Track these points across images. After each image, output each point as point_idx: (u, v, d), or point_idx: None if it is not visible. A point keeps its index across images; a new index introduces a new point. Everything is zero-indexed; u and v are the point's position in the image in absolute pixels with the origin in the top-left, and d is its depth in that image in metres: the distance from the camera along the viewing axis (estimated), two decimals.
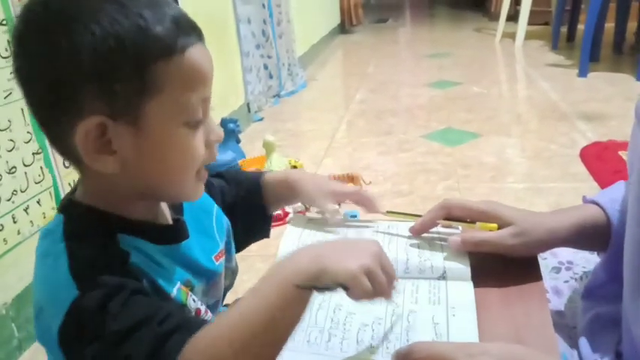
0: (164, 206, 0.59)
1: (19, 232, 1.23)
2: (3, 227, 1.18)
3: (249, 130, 2.62)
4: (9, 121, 1.19)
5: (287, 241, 0.66)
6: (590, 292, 0.69)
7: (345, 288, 0.45)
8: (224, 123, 2.05)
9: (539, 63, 3.65)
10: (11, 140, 1.20)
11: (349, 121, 2.75)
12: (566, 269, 0.77)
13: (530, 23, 4.25)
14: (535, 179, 1.92)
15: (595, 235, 0.65)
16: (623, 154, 2.00)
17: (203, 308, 0.56)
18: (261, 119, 2.80)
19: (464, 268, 0.62)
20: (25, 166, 1.24)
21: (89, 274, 0.47)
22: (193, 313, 0.54)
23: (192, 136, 0.50)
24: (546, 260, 0.78)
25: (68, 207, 0.54)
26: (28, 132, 1.25)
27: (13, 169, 1.21)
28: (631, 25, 3.81)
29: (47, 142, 1.29)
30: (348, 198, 0.71)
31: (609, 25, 3.62)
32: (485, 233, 0.64)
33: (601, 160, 1.99)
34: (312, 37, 4.27)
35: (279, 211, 1.68)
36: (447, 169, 2.03)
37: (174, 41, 0.47)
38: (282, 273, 0.46)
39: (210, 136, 0.53)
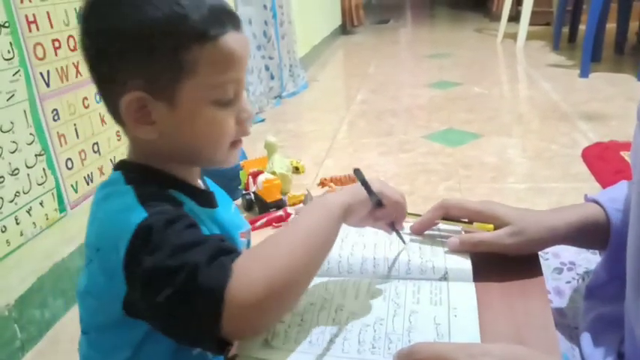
0: (197, 175, 0.64)
1: (21, 234, 1.23)
2: (6, 229, 1.18)
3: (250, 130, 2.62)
4: (11, 122, 1.20)
5: None
6: (592, 291, 0.69)
7: (379, 203, 0.58)
8: None
9: (541, 63, 3.65)
10: (14, 142, 1.20)
11: (350, 121, 2.75)
12: (568, 270, 0.77)
13: (531, 24, 4.25)
14: (536, 179, 1.92)
15: (595, 234, 0.65)
16: (625, 155, 2.00)
17: None
18: (263, 120, 2.80)
19: (465, 269, 0.62)
20: (28, 167, 1.25)
21: (156, 203, 0.52)
22: None
23: (223, 113, 0.56)
24: (548, 261, 0.78)
25: (124, 164, 0.59)
26: (30, 134, 1.25)
27: (16, 171, 1.21)
28: (632, 26, 3.81)
29: (50, 144, 1.30)
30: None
31: (611, 26, 3.62)
32: (482, 234, 0.64)
33: (602, 161, 1.98)
34: (314, 38, 4.27)
35: (280, 212, 1.68)
36: (448, 170, 2.03)
37: (208, 28, 0.52)
38: (316, 205, 0.55)
39: (242, 114, 0.58)
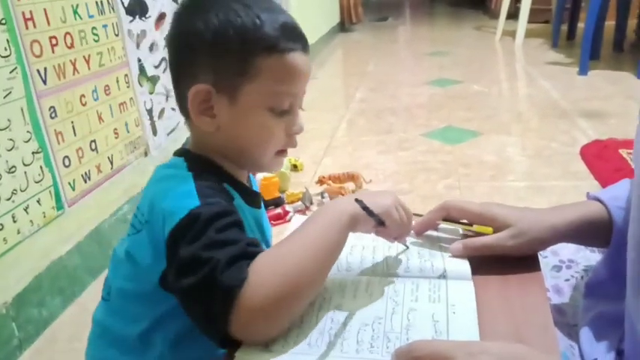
0: (246, 176, 0.69)
1: (18, 232, 1.23)
2: (3, 227, 1.18)
3: None
4: (8, 120, 1.19)
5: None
6: (592, 289, 0.69)
7: (381, 223, 0.59)
8: None
9: (540, 61, 3.65)
10: (11, 139, 1.20)
11: (349, 119, 2.74)
12: (567, 268, 0.77)
13: (530, 21, 4.25)
14: (536, 178, 1.92)
15: (596, 232, 0.65)
16: (624, 152, 1.99)
17: None
18: None
19: (464, 268, 0.62)
20: (25, 165, 1.24)
21: (211, 195, 0.57)
22: None
23: (274, 121, 0.62)
24: (547, 259, 0.77)
25: (185, 153, 0.65)
26: (27, 131, 1.25)
27: (13, 169, 1.20)
28: (631, 23, 3.80)
29: (47, 142, 1.30)
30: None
31: (609, 23, 3.61)
32: (484, 238, 0.65)
33: (601, 159, 1.98)
34: (312, 35, 4.26)
35: (279, 210, 1.68)
36: (447, 168, 2.03)
37: (277, 42, 0.59)
38: (326, 211, 0.58)
39: (293, 127, 0.64)
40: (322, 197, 1.75)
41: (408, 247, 0.66)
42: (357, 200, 0.58)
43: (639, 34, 3.81)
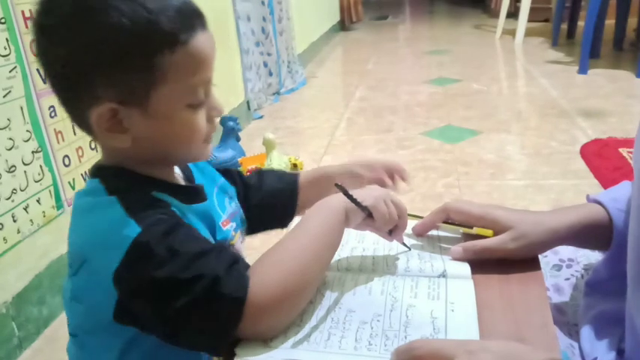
0: (177, 172, 0.64)
1: (18, 231, 1.23)
2: (3, 226, 1.18)
3: (249, 127, 2.62)
4: (8, 119, 1.19)
5: None
6: (592, 287, 0.69)
7: (369, 214, 0.59)
8: (224, 121, 2.05)
9: (539, 60, 3.65)
10: (10, 139, 1.20)
11: (349, 118, 2.74)
12: (567, 267, 0.77)
13: (530, 20, 4.25)
14: (535, 176, 1.92)
15: (596, 234, 0.65)
16: (624, 151, 2.00)
17: None
18: (261, 117, 2.79)
19: (464, 268, 0.62)
20: (25, 164, 1.24)
21: (148, 214, 0.52)
22: None
23: (195, 115, 0.55)
24: (547, 258, 0.77)
25: (100, 170, 0.58)
26: (27, 130, 1.25)
27: (13, 168, 1.20)
28: (631, 22, 3.80)
29: (47, 141, 1.30)
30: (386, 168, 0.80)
31: (609, 22, 3.61)
32: (485, 240, 0.64)
33: (601, 157, 1.98)
34: (312, 34, 4.26)
35: None
36: (447, 167, 2.03)
37: (178, 33, 0.51)
38: (319, 208, 0.59)
39: (212, 112, 0.58)
40: None
41: (409, 249, 0.66)
42: (343, 192, 0.59)
43: (639, 33, 3.81)
